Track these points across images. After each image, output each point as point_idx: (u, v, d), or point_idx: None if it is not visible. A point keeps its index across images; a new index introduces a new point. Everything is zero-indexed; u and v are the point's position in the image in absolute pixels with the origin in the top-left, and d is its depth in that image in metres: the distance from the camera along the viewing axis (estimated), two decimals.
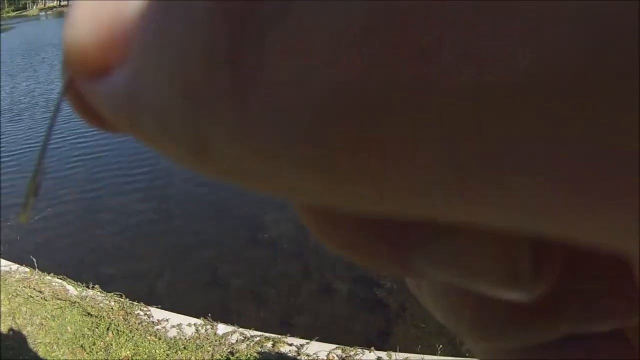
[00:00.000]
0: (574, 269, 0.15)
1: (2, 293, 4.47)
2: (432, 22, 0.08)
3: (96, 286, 4.72)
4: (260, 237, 6.49)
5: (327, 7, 0.08)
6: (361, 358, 4.19)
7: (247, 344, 4.20)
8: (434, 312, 0.19)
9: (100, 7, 0.11)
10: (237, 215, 7.22)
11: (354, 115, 0.09)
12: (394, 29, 0.08)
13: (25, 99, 14.15)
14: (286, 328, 4.64)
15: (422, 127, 0.08)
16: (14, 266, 4.97)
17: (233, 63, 0.09)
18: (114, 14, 0.11)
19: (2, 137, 10.68)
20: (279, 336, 4.30)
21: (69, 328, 4.18)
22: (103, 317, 4.30)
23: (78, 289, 4.66)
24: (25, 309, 4.33)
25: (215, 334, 4.28)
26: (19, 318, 4.22)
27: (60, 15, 73.75)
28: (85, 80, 0.13)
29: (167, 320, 4.35)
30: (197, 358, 4.02)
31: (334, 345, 4.22)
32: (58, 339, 4.08)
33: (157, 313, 4.45)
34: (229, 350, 4.12)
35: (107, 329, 4.17)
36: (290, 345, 4.24)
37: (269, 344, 4.23)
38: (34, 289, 4.58)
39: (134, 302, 4.55)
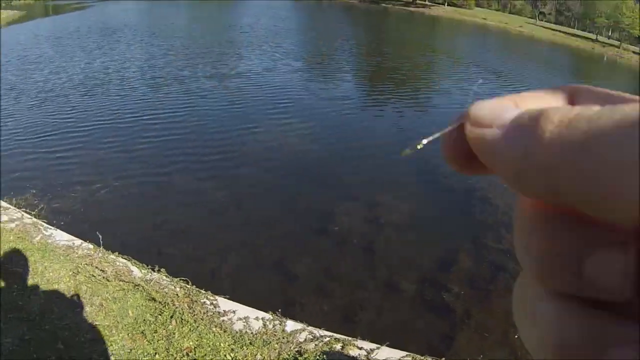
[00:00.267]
0: None
1: (63, 269, 4.26)
2: None
3: (162, 270, 4.44)
4: (330, 229, 6.28)
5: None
6: None
7: (315, 344, 3.85)
8: (537, 349, 0.24)
9: (496, 104, 0.25)
10: (308, 204, 6.97)
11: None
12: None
13: (99, 75, 14.27)
14: (349, 324, 4.50)
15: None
16: (78, 241, 4.74)
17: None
18: (498, 110, 0.24)
19: (74, 111, 10.74)
20: (349, 338, 3.95)
21: (130, 312, 3.91)
22: (167, 303, 4.00)
23: (143, 271, 4.38)
24: (85, 287, 4.08)
25: (283, 330, 3.93)
26: (78, 297, 3.98)
27: None
28: (473, 127, 0.24)
29: (233, 311, 4.03)
30: (264, 355, 3.68)
31: (405, 353, 3.91)
32: (118, 322, 3.80)
33: (224, 303, 4.12)
34: (296, 349, 3.78)
35: (171, 317, 3.87)
36: (360, 349, 3.89)
37: (338, 346, 3.88)
38: (97, 267, 4.34)
39: (201, 290, 4.24)
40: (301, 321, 4.12)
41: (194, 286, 4.28)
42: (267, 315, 4.05)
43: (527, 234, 0.24)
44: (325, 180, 7.78)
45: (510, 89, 17.89)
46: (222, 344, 3.71)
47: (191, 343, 3.69)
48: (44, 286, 4.04)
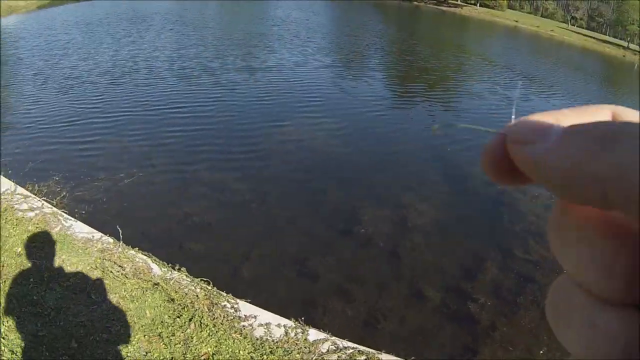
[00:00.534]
0: None
1: (81, 263, 4.11)
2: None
3: (182, 269, 4.27)
4: (356, 230, 6.12)
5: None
6: None
7: (338, 356, 3.65)
8: (590, 356, 0.25)
9: (540, 121, 0.25)
10: (334, 204, 6.78)
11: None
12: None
13: (128, 63, 14.23)
14: (371, 332, 4.38)
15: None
16: (97, 234, 4.59)
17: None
18: (544, 126, 0.25)
19: (101, 99, 10.70)
20: (373, 351, 3.75)
21: (147, 312, 3.74)
22: (187, 305, 3.82)
23: (163, 269, 4.20)
24: (103, 284, 3.92)
25: (305, 339, 3.74)
26: (94, 293, 3.83)
27: None
28: (514, 144, 0.25)
29: (254, 317, 3.83)
30: None
31: None
32: (135, 323, 3.63)
33: (245, 307, 3.93)
34: None
35: (190, 320, 3.69)
36: None
37: (362, 359, 3.69)
38: (116, 262, 4.18)
39: (221, 292, 4.06)
40: (323, 328, 3.95)
41: (215, 287, 4.10)
42: (289, 323, 3.86)
43: (578, 242, 0.25)
44: (352, 180, 7.62)
45: (545, 95, 17.57)
46: (241, 352, 3.53)
47: (209, 349, 3.51)
48: (60, 280, 3.90)
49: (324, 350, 3.69)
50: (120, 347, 3.43)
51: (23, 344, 3.34)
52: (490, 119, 11.91)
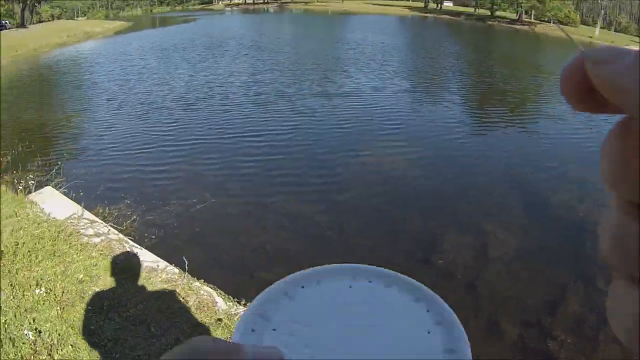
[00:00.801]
0: None
1: (142, 294, 3.89)
2: None
3: (248, 304, 3.98)
4: (434, 260, 5.75)
5: None
6: None
7: None
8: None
9: (611, 49, 0.24)
10: (414, 233, 6.38)
11: None
12: None
13: (203, 89, 14.38)
14: None
15: None
16: (162, 263, 4.36)
17: None
18: (617, 49, 0.23)
19: (176, 124, 10.79)
20: None
21: None
22: None
23: (228, 303, 3.91)
24: (164, 317, 3.68)
25: None
26: (154, 326, 3.57)
27: (245, 11, 78.20)
28: (592, 64, 0.24)
29: None
30: None
31: None
32: None
33: None
34: None
35: None
36: None
37: None
38: (179, 294, 3.94)
39: None
40: None
41: None
42: None
43: None
44: (432, 209, 7.22)
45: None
46: None
47: None
48: (120, 310, 3.68)
49: None
50: None
51: None
52: (572, 142, 11.18)
